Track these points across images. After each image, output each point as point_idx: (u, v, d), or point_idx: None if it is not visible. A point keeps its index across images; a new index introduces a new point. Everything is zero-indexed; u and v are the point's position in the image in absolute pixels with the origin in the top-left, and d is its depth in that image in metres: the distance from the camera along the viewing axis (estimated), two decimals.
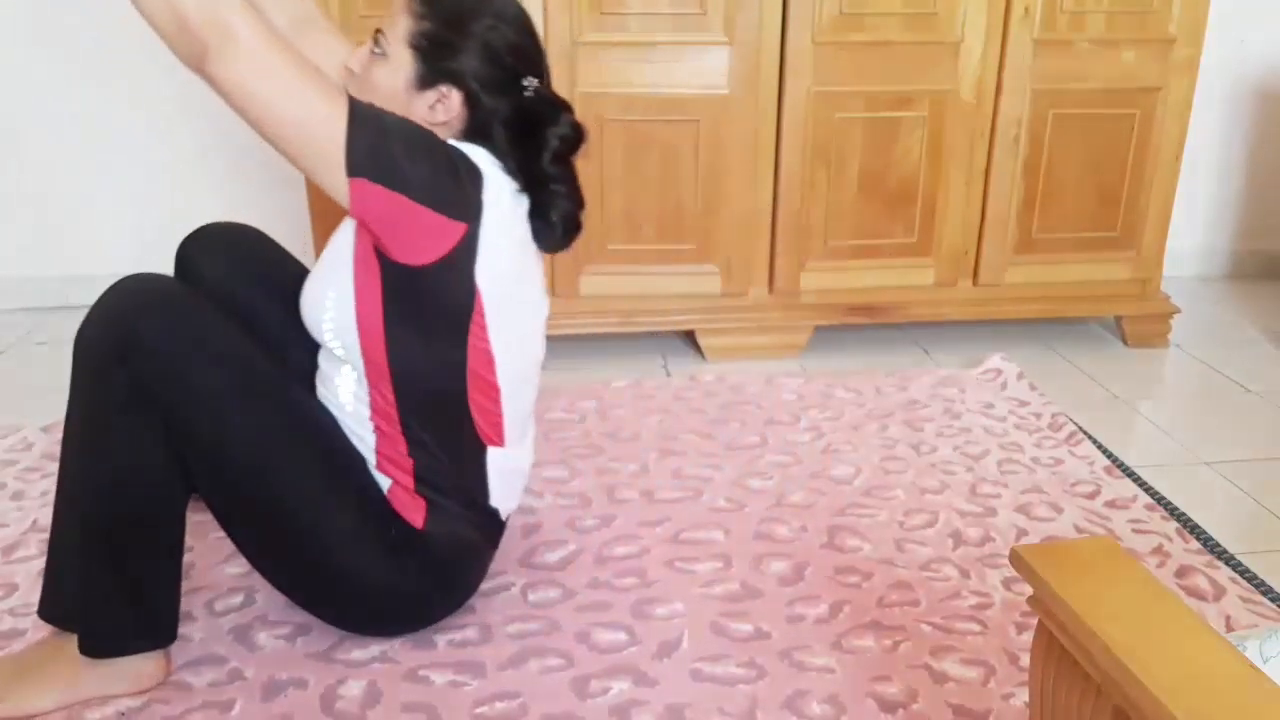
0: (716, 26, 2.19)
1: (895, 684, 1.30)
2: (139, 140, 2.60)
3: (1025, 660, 1.29)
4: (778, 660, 1.33)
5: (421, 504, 1.28)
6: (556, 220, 1.31)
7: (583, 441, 1.93)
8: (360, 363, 1.25)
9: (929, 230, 2.39)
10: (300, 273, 1.48)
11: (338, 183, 1.12)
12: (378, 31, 1.26)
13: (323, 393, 1.31)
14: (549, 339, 1.44)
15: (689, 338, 2.44)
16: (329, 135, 1.10)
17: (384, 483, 1.29)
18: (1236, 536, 1.67)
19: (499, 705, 1.25)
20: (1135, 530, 1.67)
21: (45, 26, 2.50)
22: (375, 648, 1.34)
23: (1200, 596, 1.49)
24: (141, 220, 2.66)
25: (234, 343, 1.19)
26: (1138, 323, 2.52)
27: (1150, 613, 0.73)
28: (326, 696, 1.26)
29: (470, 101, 1.25)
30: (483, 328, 1.26)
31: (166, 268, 1.31)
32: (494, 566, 1.47)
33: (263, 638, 1.36)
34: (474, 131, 1.27)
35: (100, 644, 1.22)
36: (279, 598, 1.42)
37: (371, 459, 1.28)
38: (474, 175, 1.22)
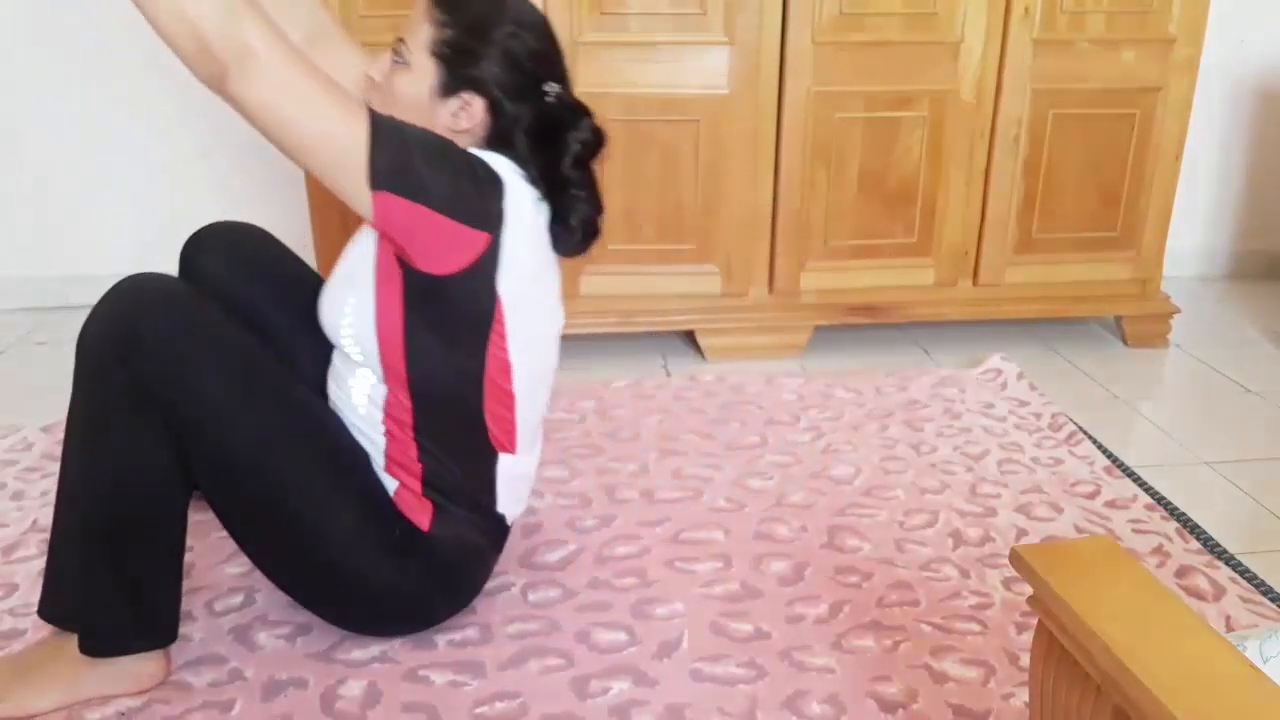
0: (716, 26, 2.19)
1: (895, 684, 1.30)
2: (139, 140, 2.60)
3: (1025, 660, 1.29)
4: (778, 660, 1.33)
5: (429, 507, 1.28)
6: (575, 225, 1.31)
7: (583, 441, 1.93)
8: (378, 368, 1.25)
9: (929, 230, 2.39)
10: (305, 272, 1.48)
11: (360, 196, 1.12)
12: (398, 40, 1.26)
13: (335, 391, 1.31)
14: None
15: (689, 338, 2.44)
16: (351, 150, 1.10)
17: (391, 484, 1.29)
18: (1236, 536, 1.67)
19: (499, 705, 1.25)
20: (1135, 530, 1.67)
21: (45, 27, 2.50)
22: (375, 648, 1.34)
23: (1200, 596, 1.49)
24: (141, 220, 2.66)
25: (237, 342, 1.19)
26: (1138, 323, 2.52)
27: (1150, 613, 0.73)
28: (326, 696, 1.26)
29: (493, 108, 1.25)
30: (502, 336, 1.26)
31: (166, 267, 1.30)
32: (494, 566, 1.47)
33: (263, 638, 1.36)
34: (496, 138, 1.27)
35: (100, 644, 1.22)
36: (279, 598, 1.42)
37: (380, 461, 1.28)
38: (495, 184, 1.22)
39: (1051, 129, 2.35)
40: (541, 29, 1.28)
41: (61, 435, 1.87)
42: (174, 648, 1.29)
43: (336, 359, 1.31)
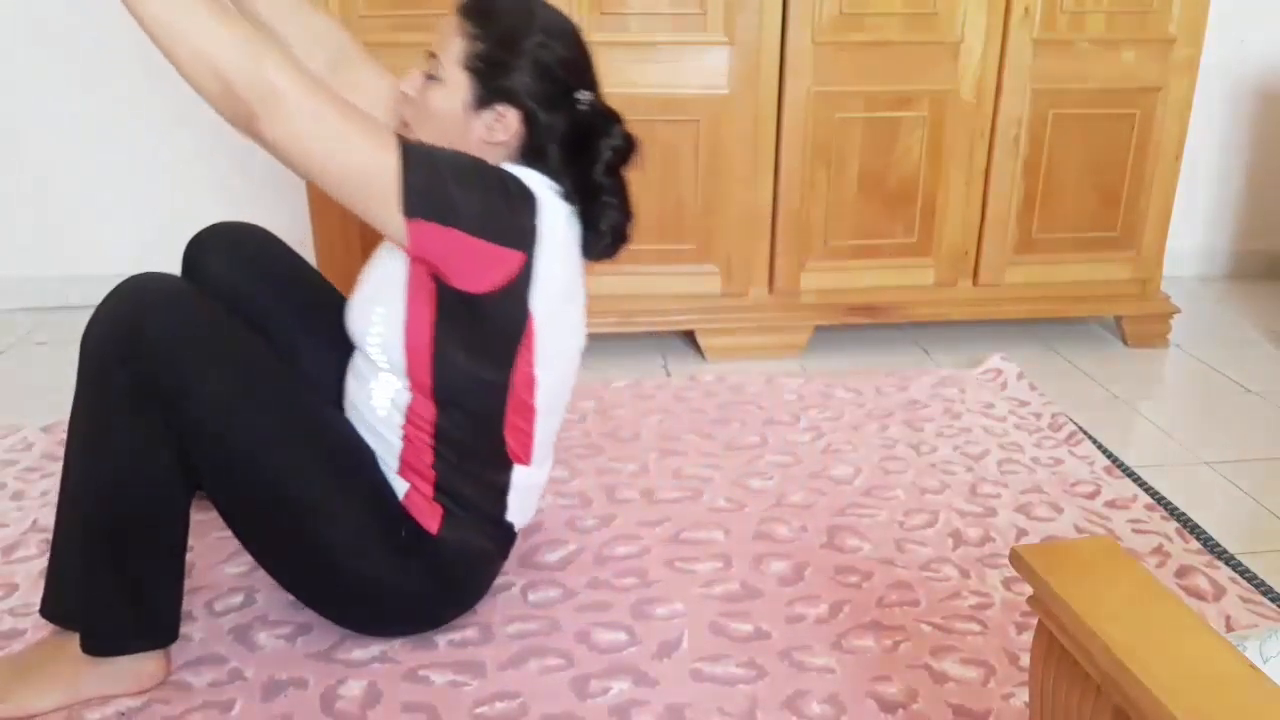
0: (716, 26, 2.19)
1: (895, 684, 1.30)
2: (139, 140, 2.60)
3: (1025, 660, 1.29)
4: (778, 660, 1.33)
5: (439, 511, 1.29)
6: (606, 230, 1.31)
7: (583, 441, 1.93)
8: (404, 376, 1.25)
9: (929, 230, 2.39)
10: (307, 272, 1.49)
11: (394, 224, 1.13)
12: (430, 55, 1.26)
13: (354, 389, 1.31)
14: None
15: (689, 338, 2.44)
16: (382, 180, 1.10)
17: (401, 486, 1.29)
18: (1236, 536, 1.67)
19: (499, 705, 1.25)
20: (1135, 530, 1.67)
21: (45, 27, 2.50)
22: (375, 648, 1.34)
23: (1200, 596, 1.49)
24: (141, 220, 2.66)
25: (240, 340, 1.20)
26: (1138, 323, 2.52)
27: (1150, 613, 0.73)
28: (326, 696, 1.26)
29: (527, 119, 1.25)
30: (530, 351, 1.27)
31: (166, 267, 1.30)
32: (499, 571, 1.47)
33: (263, 638, 1.36)
34: (529, 149, 1.27)
35: (101, 643, 1.22)
36: (279, 598, 1.42)
37: (393, 463, 1.28)
38: (528, 201, 1.22)
39: (1051, 129, 2.35)
40: (571, 36, 1.28)
41: (62, 435, 1.88)
42: (174, 648, 1.29)
43: (359, 359, 1.31)
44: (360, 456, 1.28)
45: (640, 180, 2.24)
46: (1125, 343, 2.53)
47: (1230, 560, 1.59)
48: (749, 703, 1.26)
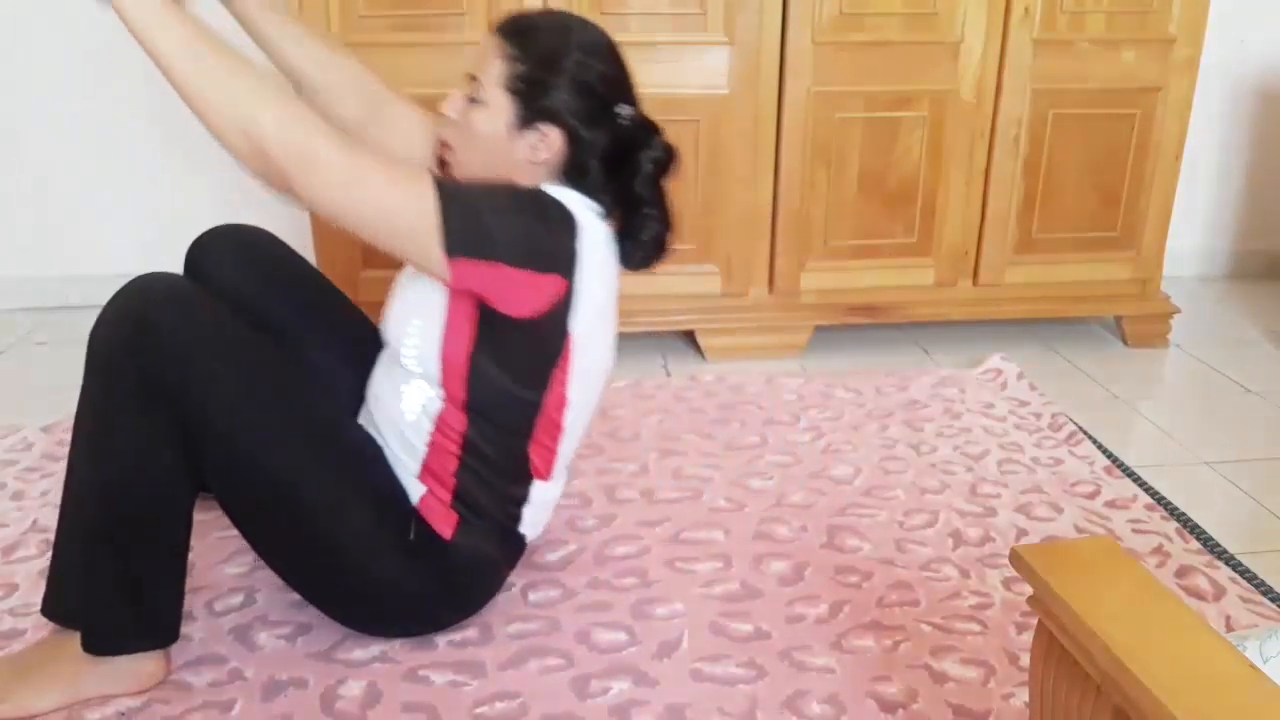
0: (716, 26, 2.19)
1: (895, 684, 1.30)
2: (139, 140, 2.60)
3: (1025, 660, 1.29)
4: (778, 660, 1.34)
5: (454, 518, 1.29)
6: (646, 240, 1.32)
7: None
8: (438, 387, 1.26)
9: (929, 230, 2.39)
10: (311, 273, 1.49)
11: (437, 264, 1.14)
12: (470, 77, 1.27)
13: (383, 391, 1.31)
14: None
15: (689, 338, 2.44)
16: (422, 225, 1.11)
17: (418, 490, 1.29)
18: (1236, 536, 1.67)
19: (499, 705, 1.25)
20: (1135, 530, 1.67)
21: (45, 26, 2.50)
22: (375, 648, 1.34)
23: (1200, 596, 1.49)
24: (141, 220, 2.66)
25: (247, 339, 1.20)
26: (1138, 323, 2.52)
27: (1150, 613, 0.73)
28: (326, 696, 1.26)
29: (570, 137, 1.26)
30: (565, 372, 1.28)
31: (167, 268, 1.30)
32: (506, 579, 1.47)
33: (263, 637, 1.36)
34: (572, 166, 1.27)
35: (101, 642, 1.22)
36: (279, 598, 1.42)
37: (413, 467, 1.29)
38: (569, 225, 1.22)
39: (1051, 129, 2.35)
40: (609, 51, 1.29)
41: (62, 435, 1.89)
42: (174, 647, 1.29)
43: (388, 359, 1.31)
44: (368, 456, 1.28)
45: None
46: (1125, 343, 2.53)
47: (1230, 560, 1.59)
48: (749, 703, 1.26)
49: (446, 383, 1.25)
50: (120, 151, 2.61)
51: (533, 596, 1.46)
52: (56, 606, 1.25)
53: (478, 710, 1.24)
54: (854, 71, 2.25)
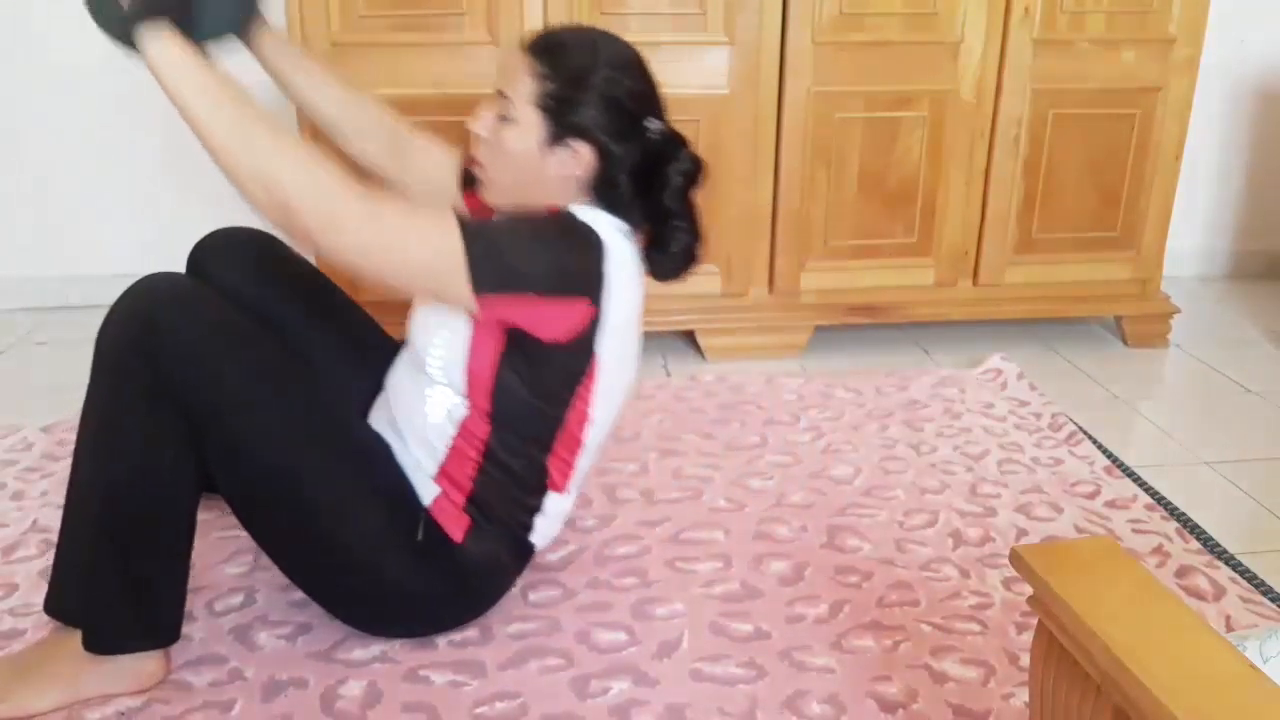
0: (716, 26, 2.19)
1: (895, 684, 1.30)
2: (139, 140, 2.60)
3: (1025, 660, 1.29)
4: (778, 660, 1.34)
5: (466, 521, 1.29)
6: (676, 251, 1.32)
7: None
8: (463, 396, 1.26)
9: (929, 230, 2.39)
10: (313, 274, 1.49)
11: (465, 301, 1.16)
12: (499, 94, 1.27)
13: (406, 390, 1.31)
14: None
15: (689, 338, 2.44)
16: (448, 265, 1.12)
17: (431, 491, 1.29)
18: (1236, 536, 1.67)
19: (499, 705, 1.25)
20: (1135, 530, 1.67)
21: (45, 26, 2.50)
22: (376, 647, 1.34)
23: (1200, 596, 1.49)
24: (141, 220, 2.66)
25: (254, 339, 1.20)
26: (1138, 323, 2.52)
27: (1150, 613, 0.73)
28: (326, 696, 1.26)
29: (600, 152, 1.26)
30: (589, 390, 1.29)
31: (166, 268, 1.30)
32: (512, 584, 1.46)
33: (263, 637, 1.36)
34: (602, 181, 1.28)
35: (103, 641, 1.22)
36: (279, 598, 1.42)
37: (430, 469, 1.29)
38: (595, 248, 1.23)
39: (1051, 129, 2.35)
40: (636, 66, 1.29)
41: (61, 435, 1.89)
42: (174, 647, 1.29)
43: (412, 362, 1.31)
44: (376, 455, 1.28)
45: None
46: (1125, 343, 2.53)
47: (1230, 560, 1.59)
48: (749, 703, 1.26)
49: (471, 394, 1.25)
50: (120, 151, 2.61)
51: (533, 596, 1.46)
52: (59, 605, 1.25)
53: (478, 710, 1.24)
54: (854, 71, 2.25)
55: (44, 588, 1.32)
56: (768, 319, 2.40)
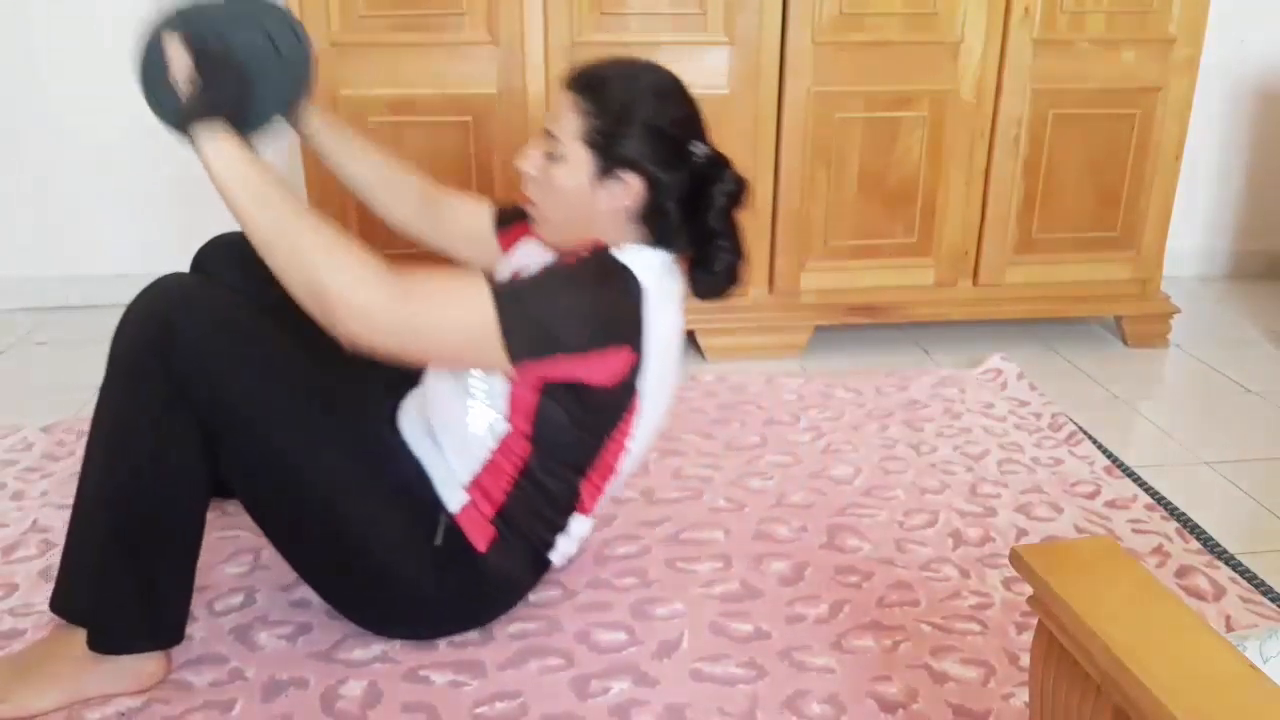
0: (716, 26, 2.19)
1: (895, 684, 1.30)
2: (139, 140, 2.60)
3: (1025, 660, 1.29)
4: (778, 660, 1.34)
5: (491, 534, 1.29)
6: (719, 271, 1.33)
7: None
8: (505, 417, 1.27)
9: (929, 230, 2.39)
10: None
11: (503, 369, 1.18)
12: (547, 133, 1.29)
13: (447, 397, 1.31)
14: None
15: (689, 338, 2.44)
16: (483, 335, 1.14)
17: (459, 499, 1.29)
18: (1236, 536, 1.67)
19: (499, 705, 1.25)
20: (1135, 530, 1.67)
21: (45, 26, 2.50)
22: (376, 648, 1.34)
23: (1200, 596, 1.49)
24: (142, 220, 2.66)
25: (272, 339, 1.21)
26: (1138, 323, 2.52)
27: (1150, 613, 0.73)
28: (327, 696, 1.26)
29: (649, 182, 1.27)
30: (629, 424, 1.29)
31: (166, 268, 1.30)
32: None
33: (263, 637, 1.36)
34: (651, 209, 1.28)
35: (109, 641, 1.22)
36: (280, 598, 1.42)
37: (464, 477, 1.29)
38: (633, 292, 1.23)
39: (1051, 129, 2.36)
40: (677, 93, 1.31)
41: (61, 435, 1.89)
42: (174, 647, 1.29)
43: (454, 373, 1.31)
44: (394, 455, 1.28)
45: None
46: (1125, 343, 2.53)
47: (1230, 560, 1.59)
48: (749, 703, 1.26)
49: (513, 416, 1.26)
50: (120, 151, 2.61)
51: (533, 596, 1.46)
52: (66, 603, 1.24)
53: (478, 710, 1.24)
54: (854, 71, 2.25)
55: (44, 588, 1.32)
56: (768, 319, 2.40)
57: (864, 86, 2.26)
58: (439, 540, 1.26)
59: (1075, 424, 2.03)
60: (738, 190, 1.31)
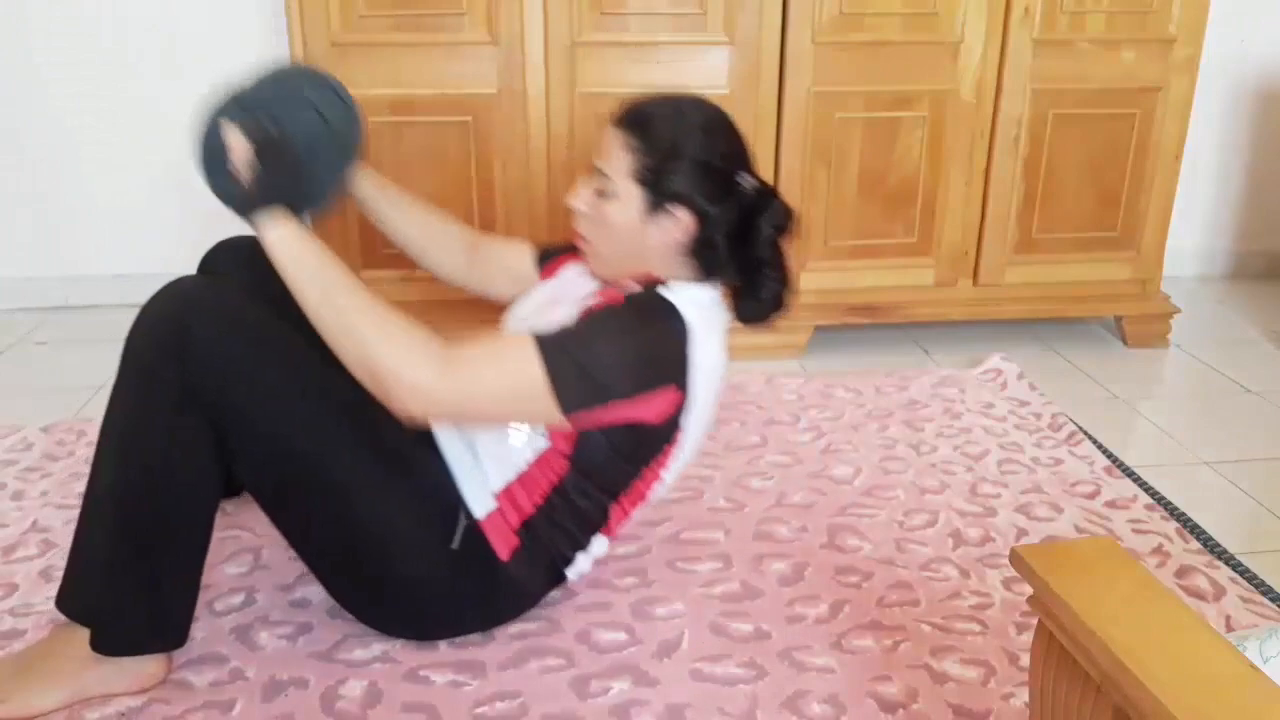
0: (716, 26, 2.19)
1: (895, 684, 1.30)
2: (140, 140, 2.60)
3: (1025, 660, 1.29)
4: (778, 660, 1.34)
5: (515, 543, 1.30)
6: (765, 298, 1.34)
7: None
8: (547, 436, 1.27)
9: (929, 230, 2.39)
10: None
11: (556, 422, 1.20)
12: (597, 171, 1.30)
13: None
14: None
15: None
16: (535, 392, 1.15)
17: (486, 505, 1.29)
18: (1236, 536, 1.67)
19: (499, 705, 1.25)
20: (1135, 530, 1.67)
21: (46, 26, 2.50)
22: (376, 647, 1.34)
23: (1200, 596, 1.49)
24: (142, 221, 2.65)
25: (287, 340, 1.21)
26: (1138, 323, 2.52)
27: (1150, 613, 0.73)
28: (327, 696, 1.26)
29: (699, 215, 1.28)
30: (668, 456, 1.31)
31: (166, 268, 1.31)
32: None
33: (264, 637, 1.36)
34: (701, 242, 1.30)
35: (114, 641, 1.22)
36: (280, 598, 1.42)
37: (495, 484, 1.29)
38: (679, 334, 1.23)
39: (1051, 129, 2.36)
40: (723, 125, 1.31)
41: (61, 435, 1.89)
42: None
43: None
44: (410, 454, 1.28)
45: None
46: (1125, 343, 2.53)
47: (1230, 560, 1.59)
48: (749, 703, 1.26)
49: (554, 437, 1.27)
50: (121, 151, 2.61)
51: None
52: (72, 603, 1.24)
53: (478, 710, 1.24)
54: (854, 71, 2.25)
55: (44, 588, 1.32)
56: None
57: (864, 86, 2.27)
58: (456, 544, 1.26)
59: (1075, 424, 2.03)
60: (785, 220, 1.33)
